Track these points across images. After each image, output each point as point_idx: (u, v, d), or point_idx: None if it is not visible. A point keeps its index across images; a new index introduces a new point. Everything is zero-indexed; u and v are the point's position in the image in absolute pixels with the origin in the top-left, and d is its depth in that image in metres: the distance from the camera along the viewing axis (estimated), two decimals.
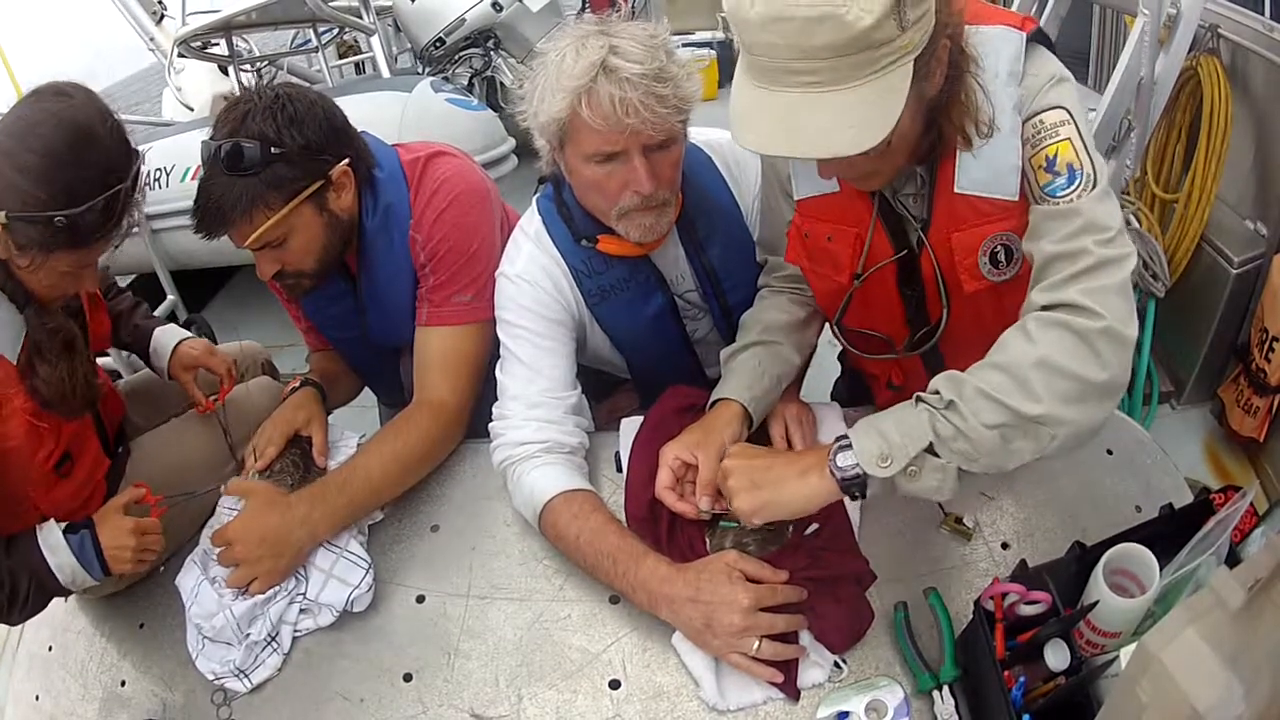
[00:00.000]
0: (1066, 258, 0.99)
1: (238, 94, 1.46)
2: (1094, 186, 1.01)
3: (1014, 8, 2.81)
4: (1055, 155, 1.03)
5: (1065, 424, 0.96)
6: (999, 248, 1.13)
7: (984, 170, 1.09)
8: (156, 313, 1.82)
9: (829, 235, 1.25)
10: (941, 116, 1.06)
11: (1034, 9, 2.71)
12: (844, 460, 1.04)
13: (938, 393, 1.00)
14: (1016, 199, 1.09)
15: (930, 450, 0.99)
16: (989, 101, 1.06)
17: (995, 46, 1.06)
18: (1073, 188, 1.01)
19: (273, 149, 1.35)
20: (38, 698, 1.42)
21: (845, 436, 1.05)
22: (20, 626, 1.54)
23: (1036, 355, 0.96)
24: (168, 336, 1.68)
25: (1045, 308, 0.99)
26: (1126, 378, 0.97)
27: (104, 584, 1.33)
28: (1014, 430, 0.96)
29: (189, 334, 1.70)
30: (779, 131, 0.96)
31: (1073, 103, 1.05)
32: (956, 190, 1.11)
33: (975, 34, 1.06)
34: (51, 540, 1.26)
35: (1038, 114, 1.05)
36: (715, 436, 1.25)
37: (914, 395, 1.03)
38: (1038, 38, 1.08)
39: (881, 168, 1.10)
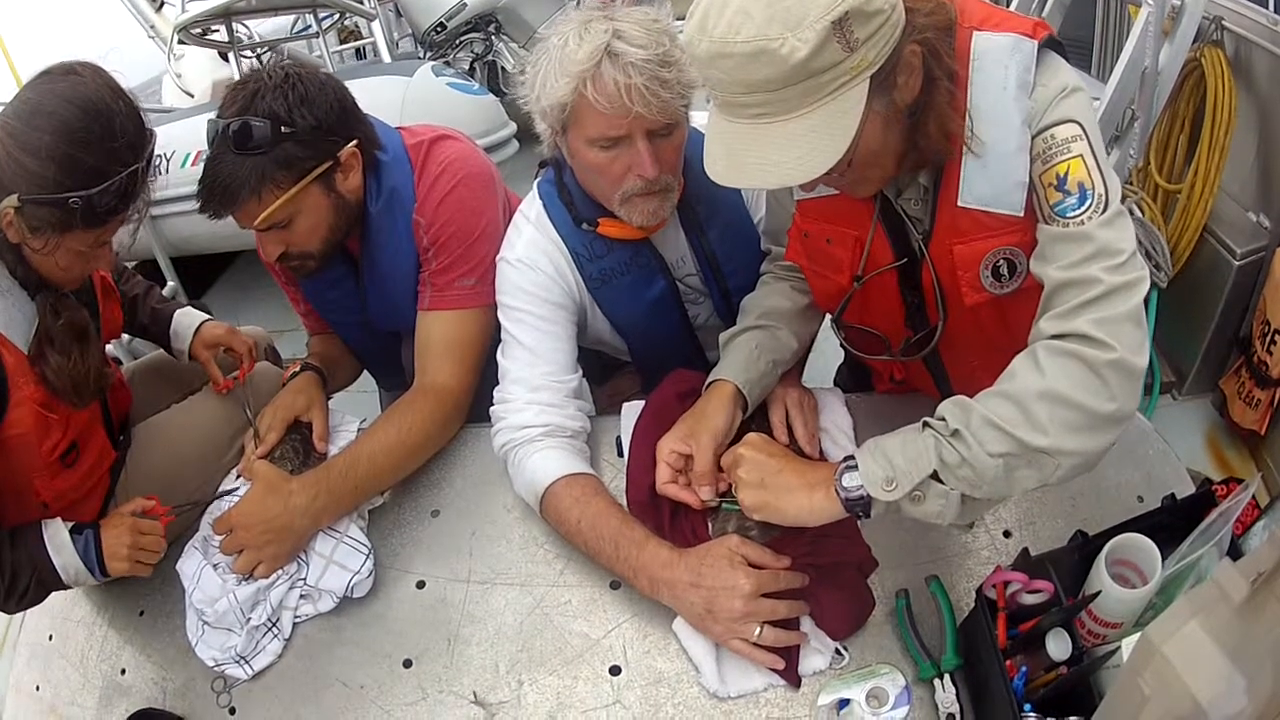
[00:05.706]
0: (1076, 285, 0.97)
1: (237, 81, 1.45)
2: (1105, 208, 0.98)
3: (1014, 4, 2.79)
4: (1066, 173, 0.99)
5: (1071, 455, 0.95)
6: (1001, 261, 1.10)
7: (988, 185, 1.06)
8: None
9: (828, 238, 1.24)
10: (920, 126, 1.03)
11: (1035, 1, 2.69)
12: (849, 481, 1.03)
13: (944, 419, 0.99)
14: (1021, 215, 1.06)
15: (935, 476, 0.99)
16: (989, 109, 1.02)
17: (1005, 58, 1.02)
18: (1083, 209, 0.98)
19: (283, 128, 1.34)
20: (38, 687, 1.42)
21: (852, 457, 1.05)
22: (20, 616, 1.55)
23: (1044, 386, 0.94)
24: (190, 318, 1.68)
25: (1055, 337, 0.97)
26: (1135, 407, 0.96)
27: None
28: (1019, 460, 0.95)
29: (210, 316, 1.69)
30: (731, 163, 0.97)
31: (1086, 116, 1.01)
32: (960, 204, 1.08)
33: (985, 41, 1.03)
34: (58, 540, 1.25)
35: (1048, 128, 1.01)
36: (707, 423, 1.25)
37: (921, 420, 1.03)
38: (1050, 44, 1.04)
39: (866, 176, 1.07)
